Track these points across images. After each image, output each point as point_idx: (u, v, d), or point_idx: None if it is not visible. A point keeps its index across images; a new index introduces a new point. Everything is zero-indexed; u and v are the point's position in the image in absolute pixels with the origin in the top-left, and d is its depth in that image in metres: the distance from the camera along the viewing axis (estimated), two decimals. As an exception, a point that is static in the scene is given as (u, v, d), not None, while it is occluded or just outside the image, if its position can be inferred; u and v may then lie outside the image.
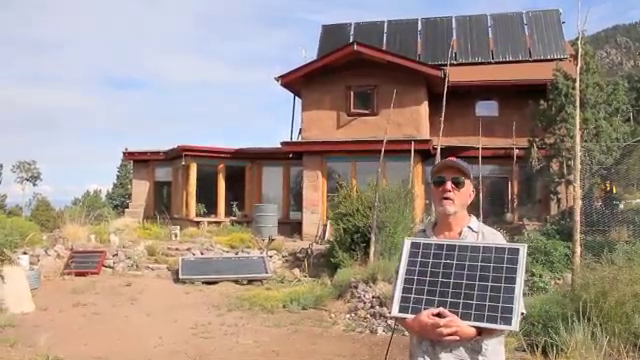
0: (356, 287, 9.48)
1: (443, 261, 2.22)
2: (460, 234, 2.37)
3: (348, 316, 8.77)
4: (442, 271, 2.20)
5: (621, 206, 13.56)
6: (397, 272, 2.30)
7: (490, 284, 2.11)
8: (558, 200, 15.14)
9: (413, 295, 2.19)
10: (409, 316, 2.17)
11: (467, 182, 2.39)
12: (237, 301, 9.89)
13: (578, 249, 7.23)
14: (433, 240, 2.34)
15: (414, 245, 2.30)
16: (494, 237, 2.36)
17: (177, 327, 8.09)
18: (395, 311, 2.20)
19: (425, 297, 2.16)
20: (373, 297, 9.00)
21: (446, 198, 2.35)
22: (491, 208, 16.25)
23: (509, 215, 16.36)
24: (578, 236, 7.32)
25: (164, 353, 6.78)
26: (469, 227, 2.39)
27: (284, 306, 9.41)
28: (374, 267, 9.87)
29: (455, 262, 2.20)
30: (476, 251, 2.20)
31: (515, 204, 16.54)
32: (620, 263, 6.63)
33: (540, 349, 5.64)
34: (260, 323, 8.40)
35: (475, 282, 2.13)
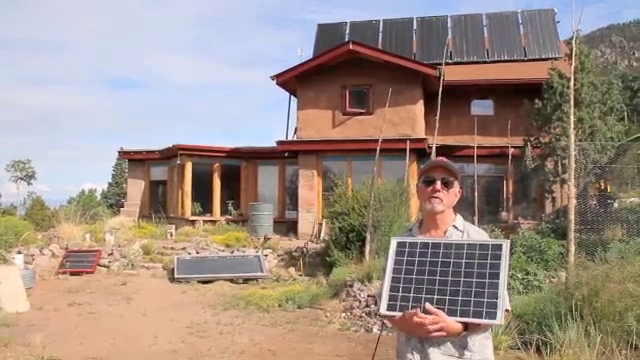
0: (351, 286, 9.50)
1: (429, 259, 2.26)
2: (445, 233, 2.42)
3: (344, 315, 8.79)
4: (428, 269, 2.24)
5: (615, 205, 13.61)
6: (384, 271, 2.33)
7: (475, 280, 2.16)
8: (553, 199, 15.18)
9: (400, 293, 2.23)
10: (397, 314, 2.21)
11: (455, 183, 2.44)
12: (233, 300, 9.89)
13: (572, 248, 7.26)
14: (419, 239, 2.38)
15: (400, 244, 2.35)
16: (479, 236, 2.41)
17: (173, 326, 8.09)
18: (383, 309, 2.24)
19: (412, 295, 2.20)
20: (369, 296, 9.01)
21: (435, 197, 2.40)
22: (486, 207, 16.28)
23: (504, 214, 16.40)
24: (572, 235, 7.35)
25: (160, 352, 6.78)
26: (454, 226, 2.44)
27: (280, 305, 9.42)
28: (369, 266, 9.89)
29: (440, 259, 2.24)
30: (461, 248, 2.25)
31: (510, 203, 16.58)
32: (613, 262, 6.66)
33: (534, 347, 5.67)
34: (256, 322, 8.40)
35: (460, 278, 2.18)
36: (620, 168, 13.54)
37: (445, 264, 2.23)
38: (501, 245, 2.21)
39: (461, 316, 2.12)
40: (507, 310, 2.19)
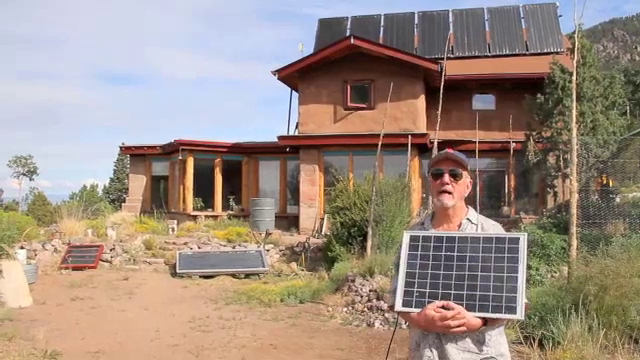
0: (353, 281, 9.50)
1: (444, 253, 2.21)
2: (459, 226, 2.38)
3: (345, 310, 8.79)
4: (444, 263, 2.19)
5: (617, 199, 13.58)
6: (396, 266, 2.29)
7: (493, 274, 2.12)
8: (555, 193, 15.17)
9: (416, 289, 2.18)
10: (413, 310, 2.17)
11: (464, 174, 2.40)
12: (234, 295, 9.90)
13: (574, 242, 7.25)
14: (432, 232, 2.32)
15: (413, 238, 2.29)
16: (494, 229, 2.36)
17: (175, 321, 8.10)
18: (399, 305, 2.19)
19: (428, 290, 2.16)
20: (370, 291, 9.01)
21: (444, 191, 2.36)
22: (488, 202, 16.28)
23: (506, 209, 16.39)
24: (574, 229, 7.34)
25: (162, 347, 6.79)
26: (468, 219, 2.39)
27: (281, 300, 9.43)
28: (371, 261, 9.88)
29: (456, 254, 2.20)
30: (476, 242, 2.20)
31: (512, 197, 16.57)
32: (616, 256, 6.64)
33: (537, 342, 5.67)
34: (258, 317, 8.42)
35: (477, 273, 2.14)
36: (622, 162, 13.51)
37: (461, 258, 2.18)
38: (518, 238, 2.17)
39: (480, 311, 2.09)
40: (526, 302, 2.15)
